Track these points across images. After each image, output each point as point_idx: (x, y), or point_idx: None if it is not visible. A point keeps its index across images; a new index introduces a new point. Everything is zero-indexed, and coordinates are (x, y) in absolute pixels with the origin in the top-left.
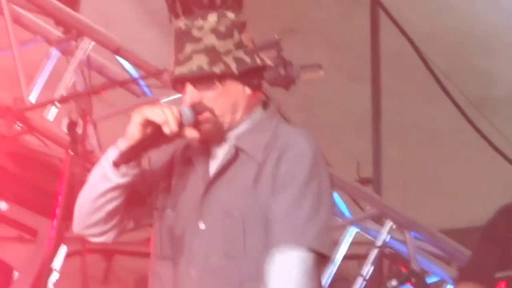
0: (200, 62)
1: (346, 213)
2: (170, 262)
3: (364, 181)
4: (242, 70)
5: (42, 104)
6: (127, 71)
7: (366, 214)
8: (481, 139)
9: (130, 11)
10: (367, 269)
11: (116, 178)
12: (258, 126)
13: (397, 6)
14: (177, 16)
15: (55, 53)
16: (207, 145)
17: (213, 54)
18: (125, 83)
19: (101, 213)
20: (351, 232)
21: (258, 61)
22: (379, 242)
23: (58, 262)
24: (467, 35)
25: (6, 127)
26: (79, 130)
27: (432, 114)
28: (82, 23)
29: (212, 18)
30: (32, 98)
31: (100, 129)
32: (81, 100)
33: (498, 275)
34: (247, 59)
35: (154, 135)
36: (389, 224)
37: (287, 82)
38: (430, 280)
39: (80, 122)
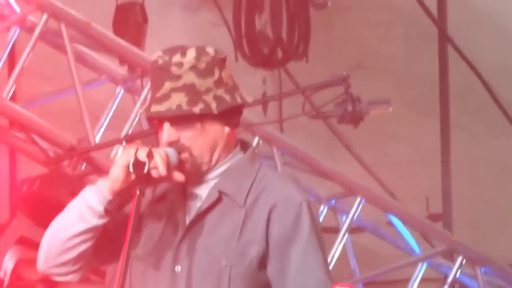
0: (179, 101)
1: (416, 249)
2: None
3: (434, 217)
4: (222, 109)
5: (107, 144)
6: None
7: (436, 250)
8: None
9: None
10: None
11: (95, 219)
12: (238, 169)
13: (465, 40)
14: (243, 54)
15: (120, 92)
16: (182, 185)
17: (192, 93)
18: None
19: (72, 254)
20: (422, 269)
21: (238, 99)
22: (449, 278)
23: None
24: None
25: (71, 168)
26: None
27: (502, 149)
28: (147, 61)
29: (191, 54)
30: (98, 138)
31: None
32: (147, 139)
33: None
34: (227, 98)
35: (141, 178)
36: (459, 260)
37: (356, 119)
38: None
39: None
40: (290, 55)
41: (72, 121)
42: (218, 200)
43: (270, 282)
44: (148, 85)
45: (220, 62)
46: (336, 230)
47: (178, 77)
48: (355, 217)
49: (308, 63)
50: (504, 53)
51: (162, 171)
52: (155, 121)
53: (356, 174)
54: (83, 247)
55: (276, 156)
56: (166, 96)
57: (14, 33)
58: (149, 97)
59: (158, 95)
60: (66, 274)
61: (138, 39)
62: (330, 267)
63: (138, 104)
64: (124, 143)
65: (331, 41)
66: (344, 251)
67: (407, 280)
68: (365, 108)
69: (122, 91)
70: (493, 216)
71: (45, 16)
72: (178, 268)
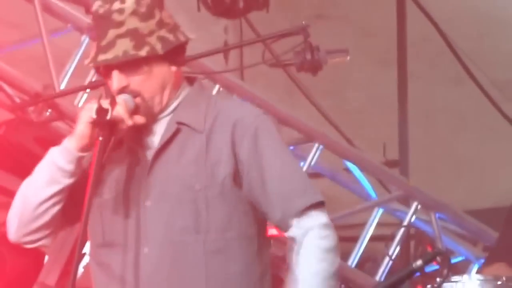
0: (125, 47)
1: (373, 194)
2: (116, 248)
3: (390, 164)
4: (167, 49)
5: (72, 90)
6: None
7: (392, 195)
8: (506, 121)
9: None
10: (394, 249)
11: (67, 179)
12: (190, 100)
13: None
14: (205, 4)
15: (85, 40)
16: (138, 128)
17: (137, 37)
18: None
19: (45, 218)
20: (377, 214)
21: (181, 37)
22: (405, 223)
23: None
24: (493, 17)
25: (36, 114)
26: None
27: (458, 97)
28: None
29: None
30: (63, 85)
31: None
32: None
33: None
34: (171, 38)
35: (105, 125)
36: (414, 205)
37: (314, 67)
38: (456, 259)
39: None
40: (251, 5)
41: (38, 68)
42: (177, 131)
43: (252, 197)
44: None
45: (158, 3)
46: None
47: (121, 23)
48: (312, 163)
49: (269, 13)
50: (460, 2)
51: (129, 122)
52: (102, 71)
53: (314, 121)
54: (55, 209)
55: None
56: (111, 44)
57: None
58: (94, 47)
59: (103, 43)
60: (39, 240)
61: None
62: None
63: None
64: (88, 90)
65: None
66: None
67: (363, 225)
68: (323, 57)
69: (88, 39)
70: (449, 163)
71: None
72: (147, 203)
